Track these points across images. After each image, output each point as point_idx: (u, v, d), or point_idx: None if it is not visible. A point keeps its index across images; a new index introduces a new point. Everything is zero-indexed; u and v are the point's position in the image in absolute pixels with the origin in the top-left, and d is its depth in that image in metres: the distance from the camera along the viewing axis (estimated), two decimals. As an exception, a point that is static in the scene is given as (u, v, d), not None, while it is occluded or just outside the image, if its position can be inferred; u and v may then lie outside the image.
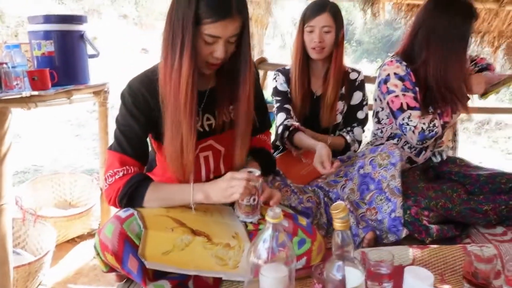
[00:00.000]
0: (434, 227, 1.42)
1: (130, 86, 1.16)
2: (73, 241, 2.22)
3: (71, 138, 4.50)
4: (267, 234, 0.87)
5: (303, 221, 1.24)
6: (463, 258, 1.22)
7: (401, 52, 1.70)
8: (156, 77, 1.15)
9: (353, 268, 0.86)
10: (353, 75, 1.77)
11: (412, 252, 1.26)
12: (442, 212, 1.46)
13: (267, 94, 2.46)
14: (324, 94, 1.72)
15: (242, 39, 1.12)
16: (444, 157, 1.80)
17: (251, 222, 1.24)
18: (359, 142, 1.76)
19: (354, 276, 0.86)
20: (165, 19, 1.08)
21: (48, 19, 1.88)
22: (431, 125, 1.55)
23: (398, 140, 1.74)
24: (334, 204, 0.86)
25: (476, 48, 3.09)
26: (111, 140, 1.21)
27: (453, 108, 1.59)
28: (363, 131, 1.79)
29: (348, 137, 1.72)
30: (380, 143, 1.76)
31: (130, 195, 1.11)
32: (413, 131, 1.57)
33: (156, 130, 1.19)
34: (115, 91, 1.95)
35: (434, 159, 1.78)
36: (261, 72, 2.47)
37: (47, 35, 1.86)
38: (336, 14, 1.63)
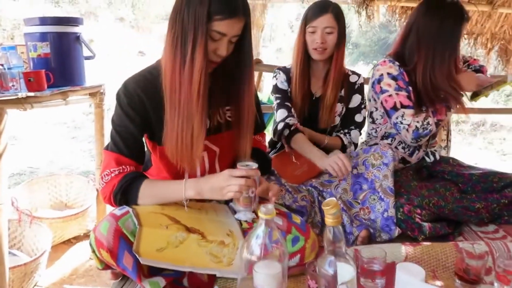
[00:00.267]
0: (427, 225, 1.44)
1: (125, 87, 1.17)
2: (69, 242, 2.22)
3: (67, 141, 4.50)
4: (260, 230, 0.88)
5: (297, 219, 1.25)
6: (455, 255, 1.24)
7: (393, 54, 1.72)
8: (153, 77, 1.16)
9: (345, 263, 0.87)
10: (353, 78, 1.77)
11: (404, 249, 1.28)
12: (435, 210, 1.48)
13: (262, 96, 2.49)
14: (323, 96, 1.72)
15: (244, 40, 1.16)
16: (437, 157, 1.82)
17: (245, 221, 1.26)
18: (356, 145, 1.77)
19: (346, 271, 0.87)
20: (171, 18, 1.10)
21: (44, 21, 1.89)
22: (425, 123, 1.57)
23: (392, 140, 1.75)
24: (325, 200, 0.87)
25: (469, 50, 3.12)
26: (107, 141, 1.22)
27: (447, 106, 1.61)
28: (360, 134, 1.79)
29: (345, 139, 1.73)
30: (374, 142, 1.77)
31: (124, 190, 1.12)
32: (407, 130, 1.59)
33: (151, 130, 1.20)
34: (112, 94, 1.96)
35: (427, 159, 1.80)
36: (256, 74, 2.49)
37: (43, 36, 1.87)
38: (338, 15, 1.63)
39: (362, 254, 1.17)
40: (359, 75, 1.78)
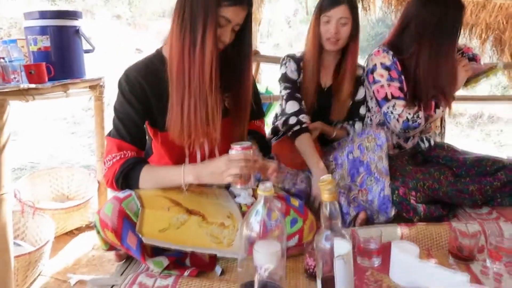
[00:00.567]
0: (421, 206, 1.47)
1: (127, 75, 1.20)
2: (72, 233, 2.25)
3: (67, 136, 4.52)
4: (259, 206, 0.91)
5: (296, 202, 1.28)
6: (449, 234, 1.27)
7: (388, 43, 1.75)
8: (154, 65, 1.20)
9: (341, 238, 0.91)
10: (359, 71, 1.78)
11: (400, 229, 1.32)
12: (429, 192, 1.51)
13: (259, 87, 2.51)
14: (338, 89, 1.70)
15: (246, 31, 1.20)
16: (432, 143, 1.85)
17: (245, 204, 1.29)
18: None
19: (342, 245, 0.90)
20: (179, 4, 1.12)
21: (43, 14, 1.91)
22: (415, 116, 1.61)
23: (386, 128, 1.79)
24: (321, 177, 0.90)
25: (464, 40, 3.15)
26: (107, 136, 1.25)
27: (436, 103, 1.65)
28: (363, 126, 1.82)
29: (351, 130, 1.76)
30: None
31: (126, 174, 1.15)
32: (397, 120, 1.62)
33: (153, 117, 1.24)
34: (111, 90, 1.98)
35: (422, 144, 1.84)
36: (253, 65, 2.52)
37: (43, 30, 1.89)
38: (353, 6, 1.62)
39: (359, 234, 1.21)
40: (363, 68, 1.80)
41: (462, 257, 1.19)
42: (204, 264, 1.15)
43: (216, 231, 1.15)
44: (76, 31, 1.98)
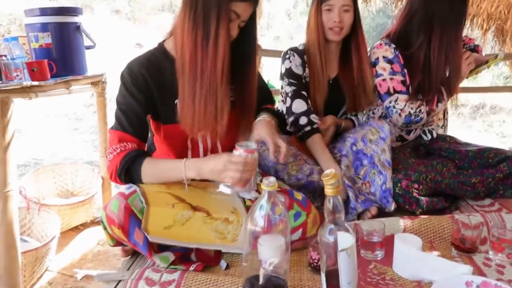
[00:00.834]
0: (424, 199, 1.48)
1: (129, 68, 1.20)
2: (77, 229, 2.27)
3: (69, 132, 4.54)
4: (263, 201, 0.92)
5: (299, 195, 1.29)
6: (451, 226, 1.28)
7: (392, 36, 1.74)
8: (157, 59, 1.21)
9: (344, 231, 0.92)
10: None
11: (402, 222, 1.32)
12: (432, 185, 1.52)
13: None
14: (362, 79, 1.66)
15: (252, 27, 1.22)
16: (434, 135, 1.85)
17: (249, 199, 1.30)
18: None
19: (346, 239, 0.91)
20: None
21: (44, 11, 1.91)
22: (417, 110, 1.61)
23: (389, 121, 1.79)
24: (325, 171, 0.91)
25: (466, 31, 3.13)
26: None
27: (439, 97, 1.65)
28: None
29: (356, 122, 1.76)
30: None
31: (127, 169, 1.16)
32: (400, 114, 1.63)
33: (155, 110, 1.24)
34: (112, 86, 1.98)
35: (424, 137, 1.84)
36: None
37: (44, 27, 1.89)
38: None
39: (362, 227, 1.22)
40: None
41: (464, 249, 1.20)
42: (209, 259, 1.17)
43: (220, 226, 1.17)
44: (77, 27, 1.98)
